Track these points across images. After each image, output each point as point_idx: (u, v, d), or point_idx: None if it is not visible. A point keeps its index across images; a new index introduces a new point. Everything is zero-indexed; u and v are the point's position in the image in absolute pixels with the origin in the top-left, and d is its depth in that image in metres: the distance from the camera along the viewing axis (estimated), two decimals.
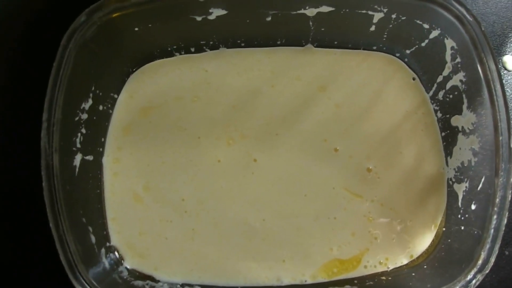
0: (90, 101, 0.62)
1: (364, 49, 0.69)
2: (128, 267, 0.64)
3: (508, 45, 0.73)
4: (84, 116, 0.62)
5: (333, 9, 0.61)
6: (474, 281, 0.56)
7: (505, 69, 0.73)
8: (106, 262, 0.62)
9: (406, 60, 0.68)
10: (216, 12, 0.61)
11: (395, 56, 0.69)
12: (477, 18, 0.58)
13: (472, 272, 0.56)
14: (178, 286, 0.63)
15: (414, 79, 0.68)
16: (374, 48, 0.69)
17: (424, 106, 0.67)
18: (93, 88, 0.62)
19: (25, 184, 0.65)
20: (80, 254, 0.57)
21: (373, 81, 0.68)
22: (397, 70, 0.68)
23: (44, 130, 0.56)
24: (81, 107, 0.61)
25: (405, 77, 0.68)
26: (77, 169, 0.61)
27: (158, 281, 0.64)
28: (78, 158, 0.61)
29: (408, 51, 0.67)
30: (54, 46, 0.57)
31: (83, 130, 0.62)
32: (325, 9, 0.62)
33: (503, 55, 0.73)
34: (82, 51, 0.58)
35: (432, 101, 0.67)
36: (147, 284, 0.63)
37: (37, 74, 0.59)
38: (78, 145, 0.61)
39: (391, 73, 0.68)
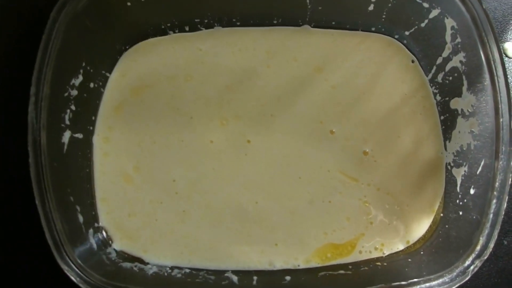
0: (81, 78, 0.61)
1: (362, 30, 0.68)
2: (117, 248, 0.63)
3: (509, 32, 0.72)
4: (74, 92, 0.60)
5: None
6: (472, 267, 0.55)
7: (506, 56, 0.71)
8: (93, 243, 0.60)
9: (405, 42, 0.67)
10: None
11: (394, 38, 0.67)
12: None
13: (470, 258, 0.55)
14: (168, 268, 0.62)
15: (413, 61, 0.67)
16: (373, 29, 0.67)
17: (423, 89, 0.66)
18: (83, 64, 0.61)
19: (12, 160, 0.64)
20: (67, 233, 0.55)
21: (371, 63, 0.67)
22: (395, 52, 0.67)
23: (32, 105, 0.55)
24: (71, 83, 0.60)
25: (404, 59, 0.67)
26: (65, 147, 0.59)
27: (147, 264, 0.62)
28: (66, 135, 0.60)
29: (407, 33, 0.66)
30: (44, 18, 0.56)
31: (73, 107, 0.60)
32: None
33: (504, 42, 0.72)
34: (72, 25, 0.57)
35: (431, 84, 0.66)
36: (135, 266, 0.61)
37: (27, 46, 0.57)
38: (67, 122, 0.60)
39: (390, 55, 0.67)
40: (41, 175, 0.55)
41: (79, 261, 0.55)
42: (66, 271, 0.55)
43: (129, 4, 0.61)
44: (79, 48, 0.60)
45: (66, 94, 0.59)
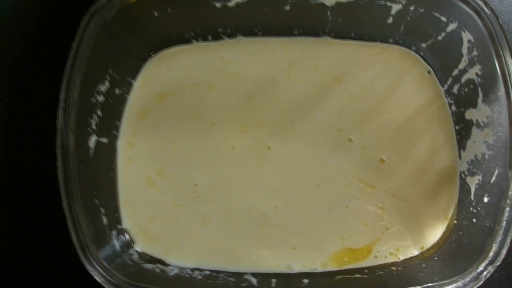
0: (107, 84, 0.62)
1: (380, 42, 0.69)
2: (139, 250, 0.64)
3: None
4: (101, 98, 0.62)
5: None
6: (485, 273, 0.56)
7: None
8: (117, 244, 0.62)
9: (421, 53, 0.68)
10: None
11: (411, 49, 0.69)
12: (495, 12, 0.58)
13: (483, 264, 0.56)
14: (189, 270, 0.63)
15: (429, 72, 0.68)
16: (390, 41, 0.69)
17: (438, 99, 0.67)
18: (110, 71, 0.63)
19: (40, 164, 0.65)
20: (92, 235, 0.57)
21: (389, 74, 0.68)
22: (412, 64, 0.68)
23: (61, 110, 0.57)
24: (98, 89, 0.61)
25: (421, 70, 0.68)
26: (91, 151, 0.61)
27: (168, 265, 0.64)
28: (93, 139, 0.61)
29: (424, 45, 0.67)
30: (74, 27, 0.58)
31: (99, 113, 0.62)
32: None
33: None
34: (101, 33, 0.59)
35: (446, 95, 0.67)
36: (157, 267, 0.63)
37: (57, 55, 0.59)
38: (94, 127, 0.61)
39: (407, 67, 0.68)
40: (68, 178, 0.56)
41: (104, 262, 0.57)
42: (91, 272, 0.56)
43: (155, 14, 0.63)
44: (107, 56, 0.62)
45: (93, 100, 0.61)
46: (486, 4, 0.58)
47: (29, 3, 0.70)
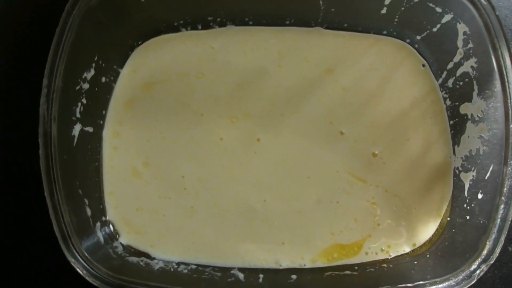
0: (93, 71, 0.61)
1: (374, 33, 0.68)
2: (124, 242, 0.63)
3: None
4: (86, 86, 0.60)
5: None
6: (478, 271, 0.55)
7: None
8: (100, 236, 0.60)
9: (416, 46, 0.67)
10: None
11: (405, 41, 0.68)
12: (492, 3, 0.57)
13: (477, 262, 0.55)
14: (174, 264, 0.62)
15: (423, 65, 0.67)
16: (384, 32, 0.68)
17: (433, 93, 0.66)
18: (96, 58, 0.61)
19: (22, 151, 0.64)
20: (75, 225, 0.55)
21: (382, 66, 0.67)
22: (406, 56, 0.67)
23: (44, 97, 0.55)
24: (83, 77, 0.60)
25: (415, 63, 0.67)
26: (75, 139, 0.59)
27: (153, 259, 0.62)
28: (77, 128, 0.60)
29: (418, 37, 0.66)
30: (58, 12, 0.56)
31: (84, 101, 0.60)
32: None
33: None
34: (86, 18, 0.57)
35: (441, 89, 0.66)
36: (141, 260, 0.61)
37: (40, 40, 0.57)
38: (78, 115, 0.60)
39: (401, 59, 0.67)
40: (51, 167, 0.55)
41: (86, 254, 0.55)
42: (72, 264, 0.55)
43: (143, 0, 0.61)
44: (92, 42, 0.60)
45: (77, 87, 0.59)
46: None
47: None
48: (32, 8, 0.68)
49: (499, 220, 0.55)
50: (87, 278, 0.55)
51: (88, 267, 0.55)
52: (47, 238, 0.55)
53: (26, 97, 0.62)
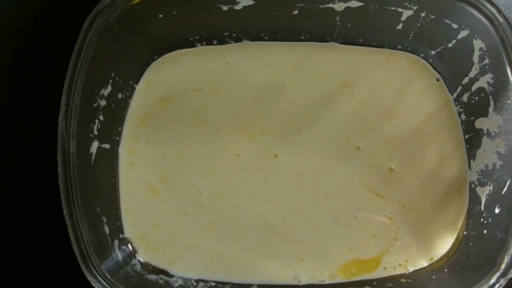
0: (110, 88, 0.61)
1: (388, 48, 0.68)
2: (142, 260, 0.62)
3: None
4: (103, 103, 0.60)
5: (362, 4, 0.60)
6: (497, 286, 0.55)
7: None
8: (119, 254, 0.60)
9: (430, 60, 0.68)
10: (243, 2, 0.60)
11: (420, 56, 0.68)
12: (509, 20, 0.57)
13: (495, 277, 0.55)
14: (193, 281, 0.61)
15: (438, 80, 0.67)
16: (399, 47, 0.68)
17: (447, 107, 0.66)
18: (113, 75, 0.61)
19: (41, 170, 0.63)
20: (94, 244, 0.55)
21: (397, 81, 0.67)
22: (421, 71, 0.67)
23: (62, 114, 0.54)
24: (100, 94, 0.59)
25: (429, 78, 0.67)
26: (93, 157, 0.59)
27: (172, 276, 0.62)
28: (95, 145, 0.59)
29: (433, 52, 0.66)
30: (76, 29, 0.56)
31: (101, 117, 0.60)
32: (354, 4, 0.60)
33: None
34: (104, 35, 0.57)
35: (456, 103, 0.66)
36: (160, 278, 0.61)
37: (59, 56, 0.57)
38: (96, 132, 0.59)
39: (415, 74, 0.67)
40: (70, 185, 0.54)
41: (106, 273, 0.55)
42: (93, 283, 0.54)
43: (160, 16, 0.61)
44: (110, 59, 0.60)
45: (95, 105, 0.59)
46: (499, 11, 0.57)
47: (28, 2, 0.68)
48: (49, 24, 0.68)
49: None
50: None
51: (108, 286, 0.54)
52: (66, 257, 0.54)
53: (44, 114, 0.61)
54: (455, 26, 0.61)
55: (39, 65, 0.67)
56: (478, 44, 0.60)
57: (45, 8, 0.68)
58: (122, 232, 0.63)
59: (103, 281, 0.54)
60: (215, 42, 0.67)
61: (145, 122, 0.65)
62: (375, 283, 0.62)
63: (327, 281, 0.62)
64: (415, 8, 0.60)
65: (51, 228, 0.60)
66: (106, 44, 0.58)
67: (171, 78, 0.66)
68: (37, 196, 0.65)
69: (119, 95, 0.63)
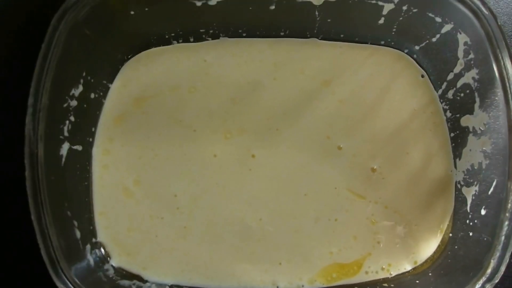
0: (81, 88, 0.59)
1: (371, 44, 0.66)
2: (115, 265, 0.60)
3: None
4: (74, 103, 0.58)
5: None
6: None
7: None
8: (91, 259, 0.58)
9: (414, 56, 0.66)
10: None
11: (404, 52, 0.66)
12: (494, 12, 0.55)
13: (481, 282, 0.53)
14: (167, 287, 0.60)
15: (422, 76, 0.65)
16: (382, 43, 0.66)
17: (432, 105, 0.65)
18: (84, 74, 0.59)
19: (7, 173, 0.61)
20: (63, 249, 0.53)
21: (380, 78, 0.65)
22: (405, 67, 0.66)
23: (29, 116, 0.53)
24: (71, 94, 0.58)
25: (414, 74, 0.65)
26: (63, 159, 0.57)
27: (146, 281, 0.60)
28: (65, 147, 0.57)
29: (417, 47, 0.64)
30: (44, 27, 0.54)
31: (72, 118, 0.58)
32: None
33: None
34: (73, 34, 0.55)
35: (441, 100, 0.64)
36: (134, 284, 0.59)
37: (25, 56, 0.55)
38: (66, 134, 0.57)
39: (399, 70, 0.65)
40: (38, 189, 0.52)
41: (76, 279, 0.53)
42: None
43: (132, 12, 0.59)
44: (80, 57, 0.58)
45: (65, 105, 0.57)
46: (483, 3, 0.55)
47: None
48: (14, 23, 0.66)
49: (503, 237, 0.53)
50: None
51: None
52: (34, 263, 0.52)
53: (10, 115, 0.59)
54: (438, 19, 0.59)
55: (5, 64, 0.65)
56: (462, 38, 0.58)
57: (10, 5, 0.66)
58: (95, 236, 0.61)
59: (72, 287, 0.53)
60: (191, 39, 0.65)
61: (119, 123, 0.63)
62: (356, 287, 0.60)
63: (307, 286, 0.60)
64: (396, 1, 0.59)
65: (19, 233, 0.59)
66: (75, 43, 0.56)
67: (147, 77, 0.65)
68: (4, 199, 0.63)
69: (92, 95, 0.62)
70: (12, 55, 0.65)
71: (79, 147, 0.60)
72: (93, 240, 0.60)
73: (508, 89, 0.54)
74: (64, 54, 0.54)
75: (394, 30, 0.63)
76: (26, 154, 0.52)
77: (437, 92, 0.65)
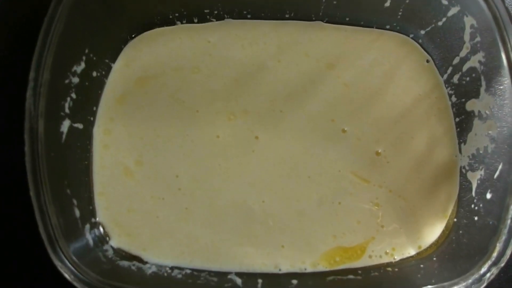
0: (83, 65, 0.58)
1: (376, 28, 0.66)
2: (114, 245, 0.59)
3: None
4: (75, 80, 0.57)
5: None
6: (488, 275, 0.52)
7: None
8: (90, 239, 0.57)
9: (420, 41, 0.65)
10: None
11: (409, 36, 0.65)
12: None
13: (486, 265, 0.52)
14: (167, 269, 0.59)
15: (428, 61, 0.65)
16: (387, 27, 0.66)
17: (438, 90, 0.64)
18: (86, 51, 0.58)
19: (7, 148, 0.60)
20: (62, 228, 0.52)
21: (385, 62, 0.65)
22: (410, 52, 0.65)
23: (30, 90, 0.52)
24: (72, 70, 0.57)
25: (419, 59, 0.65)
26: (64, 136, 0.56)
27: (146, 263, 0.59)
28: (66, 124, 0.56)
29: (423, 31, 0.64)
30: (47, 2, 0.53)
31: (73, 95, 0.57)
32: None
33: None
34: (76, 9, 0.54)
35: (446, 85, 0.64)
36: (133, 265, 0.58)
37: (28, 29, 0.54)
38: (67, 111, 0.56)
39: (404, 55, 0.65)
40: (37, 165, 0.51)
41: (74, 258, 0.52)
42: (59, 268, 0.51)
43: None
44: (83, 34, 0.57)
45: (67, 81, 0.56)
46: None
47: None
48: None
49: (509, 220, 0.52)
50: (75, 283, 0.51)
51: (76, 271, 0.51)
52: (32, 240, 0.51)
53: (11, 90, 0.58)
54: (445, 2, 0.59)
55: (6, 39, 0.64)
56: (469, 21, 0.58)
57: None
58: (95, 216, 0.60)
59: (71, 266, 0.51)
60: (195, 20, 0.65)
61: (121, 103, 0.63)
62: (359, 272, 0.59)
63: (309, 269, 0.59)
64: None
65: (17, 210, 0.58)
66: (78, 19, 0.55)
67: (150, 57, 0.64)
68: (3, 178, 0.62)
69: (94, 73, 0.61)
70: (13, 29, 0.65)
71: (80, 125, 0.59)
72: (93, 220, 0.59)
73: None
74: (67, 30, 0.54)
75: (400, 14, 0.63)
76: (26, 129, 0.51)
77: (442, 77, 0.64)
